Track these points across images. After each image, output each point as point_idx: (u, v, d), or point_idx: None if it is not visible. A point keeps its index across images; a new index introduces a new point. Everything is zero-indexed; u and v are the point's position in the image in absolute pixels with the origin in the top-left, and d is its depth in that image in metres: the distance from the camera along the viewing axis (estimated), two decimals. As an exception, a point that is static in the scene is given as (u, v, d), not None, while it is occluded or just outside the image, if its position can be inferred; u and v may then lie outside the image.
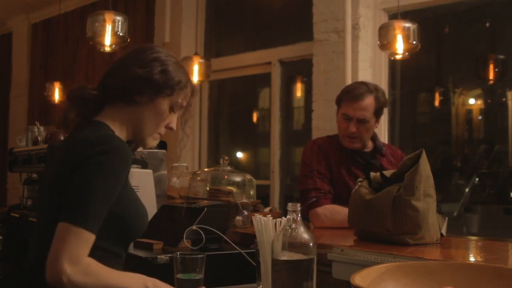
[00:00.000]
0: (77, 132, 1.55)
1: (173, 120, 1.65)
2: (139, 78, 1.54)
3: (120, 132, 1.59)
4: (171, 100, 1.60)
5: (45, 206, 1.54)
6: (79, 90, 1.57)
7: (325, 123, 3.85)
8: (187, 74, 1.64)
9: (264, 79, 5.02)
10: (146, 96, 1.55)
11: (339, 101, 2.65)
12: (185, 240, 1.92)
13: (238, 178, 2.66)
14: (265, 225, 1.69)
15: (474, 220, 4.58)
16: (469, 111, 5.28)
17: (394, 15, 3.40)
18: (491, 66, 4.58)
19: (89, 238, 1.35)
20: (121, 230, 1.47)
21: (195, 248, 1.91)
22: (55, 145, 1.74)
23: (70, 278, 1.31)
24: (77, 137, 1.52)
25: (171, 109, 1.62)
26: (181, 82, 1.59)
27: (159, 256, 1.78)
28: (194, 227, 1.93)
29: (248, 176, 2.70)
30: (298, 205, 1.47)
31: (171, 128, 1.66)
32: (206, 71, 4.39)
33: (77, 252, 1.32)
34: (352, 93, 2.59)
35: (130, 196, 1.53)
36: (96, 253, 1.42)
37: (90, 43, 3.47)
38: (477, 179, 4.89)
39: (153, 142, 1.65)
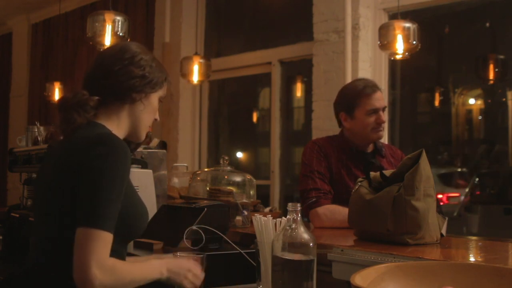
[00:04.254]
0: (75, 133, 1.55)
1: (157, 111, 1.73)
2: (137, 77, 1.60)
3: (117, 131, 1.61)
4: (160, 94, 1.69)
5: (44, 206, 1.54)
6: (74, 97, 1.57)
7: (325, 123, 3.85)
8: (164, 67, 1.73)
9: (264, 79, 5.02)
10: (143, 93, 1.62)
11: (355, 99, 2.58)
12: (185, 240, 1.92)
13: (238, 178, 2.66)
14: (265, 225, 1.69)
15: (474, 220, 4.58)
16: (469, 111, 5.28)
17: (394, 15, 3.40)
18: (491, 66, 4.58)
19: (109, 238, 1.39)
20: (122, 228, 1.48)
21: (195, 248, 1.91)
22: (55, 145, 1.75)
23: (102, 282, 1.35)
24: (75, 137, 1.53)
25: (159, 102, 1.70)
26: (166, 76, 1.69)
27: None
28: (194, 227, 1.93)
29: (248, 176, 2.70)
30: (298, 205, 1.47)
31: (156, 119, 1.73)
32: (206, 71, 4.39)
33: (102, 254, 1.36)
34: (369, 87, 2.59)
35: (131, 194, 1.55)
36: None
37: (90, 43, 3.47)
38: (477, 179, 4.89)
39: (145, 136, 1.72)
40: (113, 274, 1.37)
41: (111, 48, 1.71)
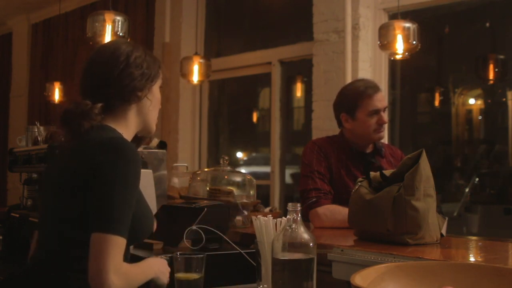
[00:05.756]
0: (84, 136, 1.55)
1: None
2: (138, 77, 1.60)
3: (126, 131, 1.62)
4: (160, 83, 1.71)
5: (50, 207, 1.54)
6: (77, 108, 1.56)
7: (325, 123, 3.85)
8: (154, 54, 1.76)
9: (264, 79, 5.02)
10: (146, 89, 1.63)
11: (357, 100, 2.57)
12: (185, 240, 1.92)
13: (238, 178, 2.66)
14: (265, 225, 1.69)
15: (474, 220, 4.58)
16: (469, 111, 5.28)
17: (394, 15, 3.40)
18: (491, 66, 4.58)
19: (123, 244, 1.41)
20: (129, 231, 1.48)
21: (195, 248, 1.92)
22: (58, 146, 1.75)
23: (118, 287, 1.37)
24: (84, 140, 1.53)
25: (160, 90, 1.73)
26: (159, 63, 1.70)
27: (159, 256, 1.78)
28: (194, 227, 1.93)
29: (248, 176, 2.70)
30: (298, 205, 1.47)
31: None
32: (206, 71, 4.39)
33: (118, 260, 1.38)
34: (370, 87, 2.58)
35: (138, 197, 1.55)
36: None
37: (90, 43, 3.47)
38: (477, 179, 4.89)
39: (155, 127, 1.74)
40: (127, 279, 1.40)
41: (101, 53, 1.64)
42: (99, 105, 1.56)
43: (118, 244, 1.38)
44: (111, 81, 1.58)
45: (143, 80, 1.61)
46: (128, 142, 1.53)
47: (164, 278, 1.59)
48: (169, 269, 1.61)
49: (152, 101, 1.66)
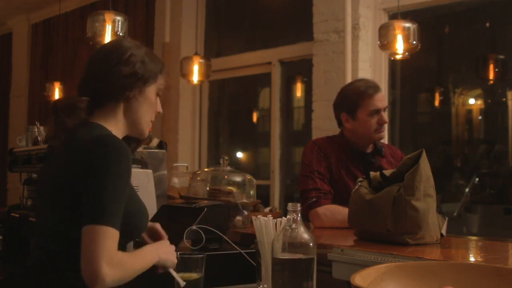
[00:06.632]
0: (74, 133, 1.56)
1: (158, 103, 1.71)
2: (128, 75, 1.59)
3: (115, 129, 1.61)
4: (156, 87, 1.67)
5: (46, 205, 1.54)
6: (64, 101, 1.58)
7: (325, 123, 3.85)
8: (160, 59, 1.74)
9: (264, 79, 5.02)
10: (137, 89, 1.61)
11: (357, 100, 2.58)
12: (185, 240, 1.92)
13: (238, 178, 2.66)
14: (265, 225, 1.69)
15: (474, 220, 4.58)
16: (469, 111, 5.28)
17: (394, 15, 3.40)
18: (491, 66, 4.58)
19: (116, 235, 1.38)
20: (122, 227, 1.48)
21: (195, 248, 1.91)
22: (56, 145, 1.76)
23: (113, 278, 1.35)
24: (76, 138, 1.53)
25: (157, 94, 1.69)
26: (161, 68, 1.68)
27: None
28: (194, 227, 1.93)
29: (248, 176, 2.70)
30: (298, 205, 1.47)
31: (158, 112, 1.72)
32: (206, 71, 4.39)
33: (110, 250, 1.35)
34: (371, 87, 2.58)
35: (130, 193, 1.55)
36: None
37: (90, 43, 3.47)
38: (477, 179, 4.89)
39: (148, 131, 1.71)
40: (122, 268, 1.38)
41: (103, 47, 1.67)
42: (85, 99, 1.57)
43: (109, 234, 1.36)
44: (100, 76, 1.59)
45: (133, 79, 1.59)
46: (117, 138, 1.52)
47: (172, 258, 1.57)
48: (173, 247, 1.60)
49: (142, 103, 1.63)
